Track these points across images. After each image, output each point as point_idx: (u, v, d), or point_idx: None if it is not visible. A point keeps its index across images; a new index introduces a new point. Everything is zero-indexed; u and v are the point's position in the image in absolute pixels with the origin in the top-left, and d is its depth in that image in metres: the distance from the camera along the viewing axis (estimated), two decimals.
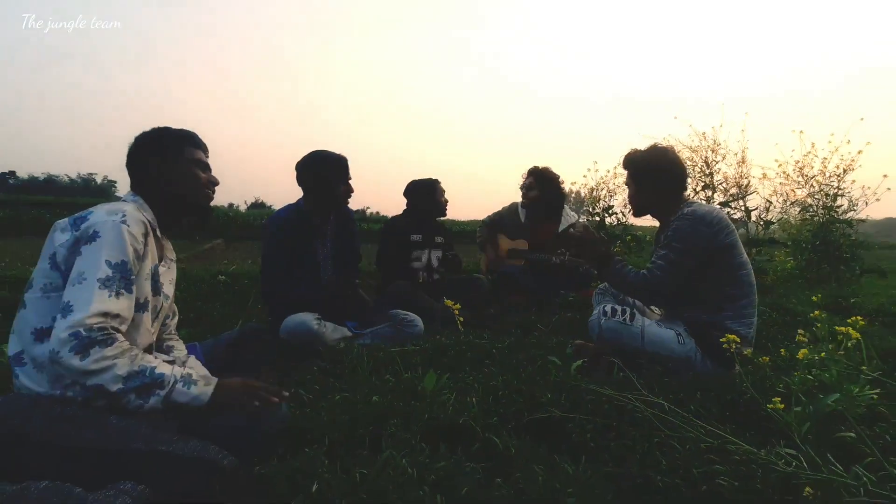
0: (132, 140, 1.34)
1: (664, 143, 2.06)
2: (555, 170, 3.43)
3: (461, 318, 2.55)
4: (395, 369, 1.72)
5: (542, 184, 3.37)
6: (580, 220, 3.48)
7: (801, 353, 1.09)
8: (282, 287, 2.25)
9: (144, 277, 1.19)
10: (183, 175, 1.32)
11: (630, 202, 2.08)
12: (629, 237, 4.33)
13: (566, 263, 2.95)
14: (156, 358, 1.15)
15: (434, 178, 3.15)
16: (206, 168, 1.39)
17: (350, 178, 2.36)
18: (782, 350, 1.46)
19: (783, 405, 0.98)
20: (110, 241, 1.09)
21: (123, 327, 1.10)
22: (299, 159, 2.35)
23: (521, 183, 3.52)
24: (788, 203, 4.61)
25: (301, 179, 2.34)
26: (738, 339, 1.23)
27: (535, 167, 3.46)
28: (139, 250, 1.16)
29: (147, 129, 1.36)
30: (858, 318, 1.16)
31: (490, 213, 3.78)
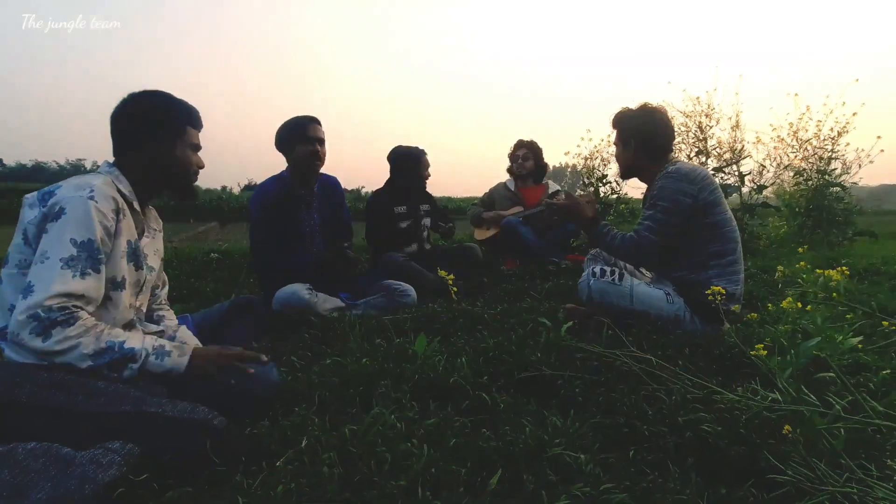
0: (128, 98, 1.25)
1: (654, 104, 2.02)
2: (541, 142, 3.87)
3: (455, 289, 2.56)
4: (387, 335, 1.73)
5: (535, 153, 3.76)
6: (562, 190, 3.74)
7: (786, 302, 1.09)
8: (272, 257, 2.24)
9: (120, 256, 1.16)
10: (178, 158, 1.28)
11: (617, 161, 2.07)
12: (623, 206, 4.32)
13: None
14: (127, 332, 1.12)
15: (420, 147, 3.10)
16: (198, 149, 1.35)
17: (315, 139, 2.26)
18: (769, 305, 1.47)
19: (766, 352, 0.99)
20: (76, 219, 1.05)
21: (90, 307, 1.07)
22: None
23: (512, 154, 3.81)
24: (782, 167, 4.59)
25: (276, 148, 2.31)
26: (724, 291, 1.24)
27: (523, 140, 3.82)
28: (109, 227, 1.11)
29: (147, 90, 1.27)
30: (843, 268, 1.17)
31: (481, 191, 4.06)
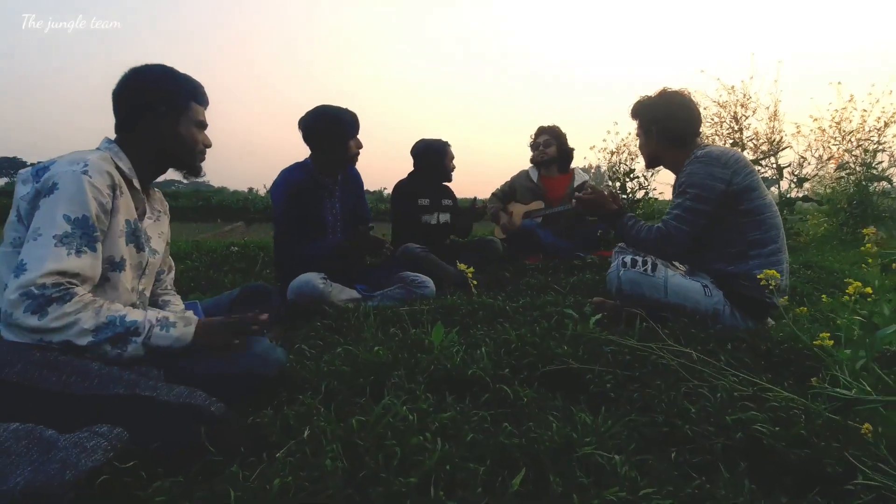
0: (130, 72, 1.19)
1: (674, 88, 1.89)
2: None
3: (475, 282, 2.46)
4: (403, 325, 1.64)
5: (558, 139, 3.43)
6: (589, 181, 3.46)
7: (851, 288, 0.96)
8: (296, 248, 2.19)
9: (118, 235, 1.10)
10: (182, 135, 1.23)
11: (641, 153, 1.95)
12: (651, 199, 4.14)
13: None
14: (126, 307, 1.07)
15: (444, 140, 3.02)
16: (204, 127, 1.29)
17: (358, 134, 2.25)
18: (823, 296, 1.32)
19: (832, 342, 0.86)
20: (70, 194, 1.00)
21: (86, 286, 1.02)
22: (304, 116, 2.25)
23: (533, 142, 3.53)
24: (825, 159, 4.32)
25: (308, 137, 2.24)
26: (778, 276, 1.10)
27: (544, 126, 3.51)
28: (105, 204, 1.06)
29: (150, 64, 1.22)
30: None
31: (490, 188, 3.81)
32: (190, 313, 1.34)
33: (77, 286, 0.99)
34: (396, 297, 2.22)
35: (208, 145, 1.31)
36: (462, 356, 1.27)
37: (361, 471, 0.78)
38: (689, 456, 0.89)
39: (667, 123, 1.80)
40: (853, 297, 1.04)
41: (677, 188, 1.78)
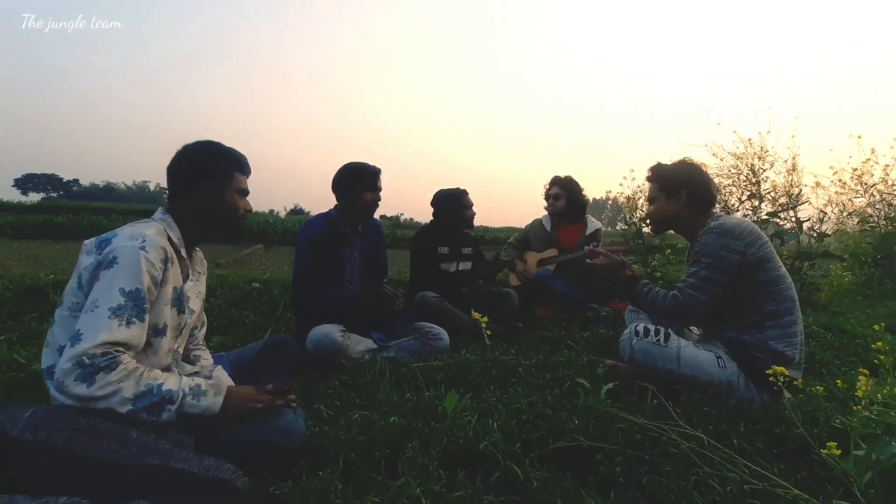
0: (182, 149, 1.33)
1: (692, 160, 1.97)
2: (578, 178, 3.58)
3: (488, 332, 2.50)
4: (417, 385, 1.68)
5: (568, 191, 3.49)
6: (599, 235, 3.50)
7: (861, 385, 0.97)
8: (312, 296, 2.27)
9: (164, 303, 1.20)
10: (226, 203, 1.34)
11: (652, 216, 1.97)
12: (668, 251, 4.14)
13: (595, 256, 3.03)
14: (164, 373, 1.15)
15: (461, 188, 3.11)
16: (246, 194, 1.41)
17: (379, 189, 2.37)
18: (839, 381, 1.32)
19: (839, 451, 0.87)
20: (126, 269, 1.10)
21: (131, 353, 1.10)
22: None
23: (546, 193, 3.60)
24: (845, 214, 4.28)
25: (333, 188, 2.38)
26: (787, 372, 1.12)
27: (557, 177, 3.59)
28: (157, 277, 1.16)
29: (199, 140, 1.36)
30: None
31: (518, 218, 3.87)
32: (222, 377, 1.41)
33: (123, 353, 1.08)
34: (411, 348, 2.26)
35: (250, 211, 1.42)
36: (474, 427, 1.31)
37: None
38: None
39: (699, 189, 1.85)
40: (866, 392, 1.06)
41: (692, 256, 1.82)
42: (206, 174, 1.32)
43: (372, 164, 2.39)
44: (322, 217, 2.41)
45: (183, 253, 1.29)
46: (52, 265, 6.23)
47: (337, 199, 2.40)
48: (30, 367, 1.88)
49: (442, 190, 3.10)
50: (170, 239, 1.24)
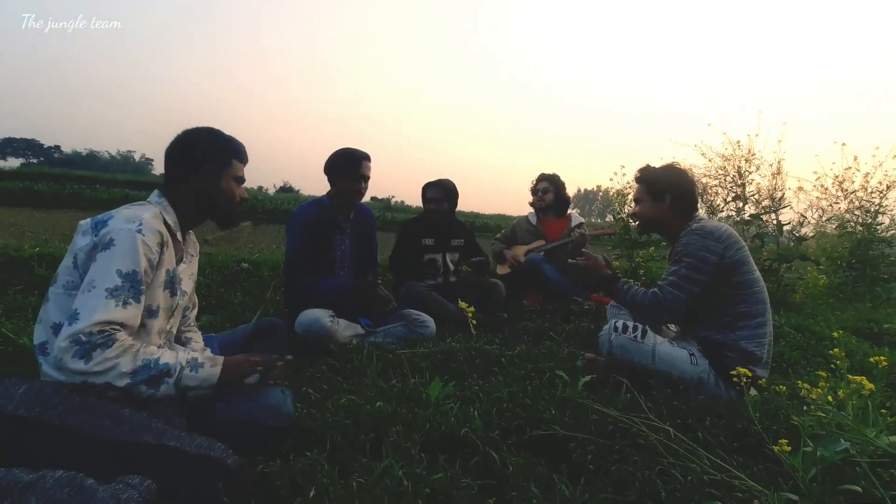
0: (181, 134, 1.34)
1: (679, 164, 2.05)
2: (567, 172, 3.82)
3: (474, 322, 2.56)
4: (403, 372, 1.74)
5: (556, 187, 3.72)
6: (582, 227, 3.61)
7: (815, 392, 1.05)
8: (303, 281, 2.30)
9: (157, 285, 1.23)
10: (222, 189, 1.36)
11: (638, 217, 2.05)
12: (652, 248, 4.23)
13: (583, 240, 3.25)
14: (160, 349, 1.18)
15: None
16: (242, 182, 1.43)
17: (368, 173, 2.37)
18: (799, 382, 1.41)
19: (790, 447, 0.95)
20: (123, 251, 1.12)
21: (126, 332, 1.13)
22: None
23: (533, 188, 3.80)
24: (825, 219, 4.41)
25: (326, 173, 2.40)
26: (750, 374, 1.20)
27: (545, 174, 3.80)
28: (153, 260, 1.19)
29: (199, 126, 1.37)
30: (881, 358, 1.11)
31: (508, 207, 3.99)
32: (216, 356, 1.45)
33: (119, 331, 1.11)
34: (398, 334, 2.32)
35: (245, 198, 1.44)
36: (456, 414, 1.37)
37: None
38: None
39: (683, 192, 1.92)
40: (824, 389, 1.13)
41: (673, 256, 1.89)
42: (205, 160, 1.33)
43: (358, 149, 2.39)
44: (315, 202, 2.42)
45: (178, 236, 1.31)
46: (35, 235, 6.14)
47: (330, 184, 2.41)
48: (17, 340, 1.89)
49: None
50: (165, 222, 1.26)
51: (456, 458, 1.20)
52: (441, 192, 3.00)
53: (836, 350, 1.14)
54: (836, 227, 4.54)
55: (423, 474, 1.07)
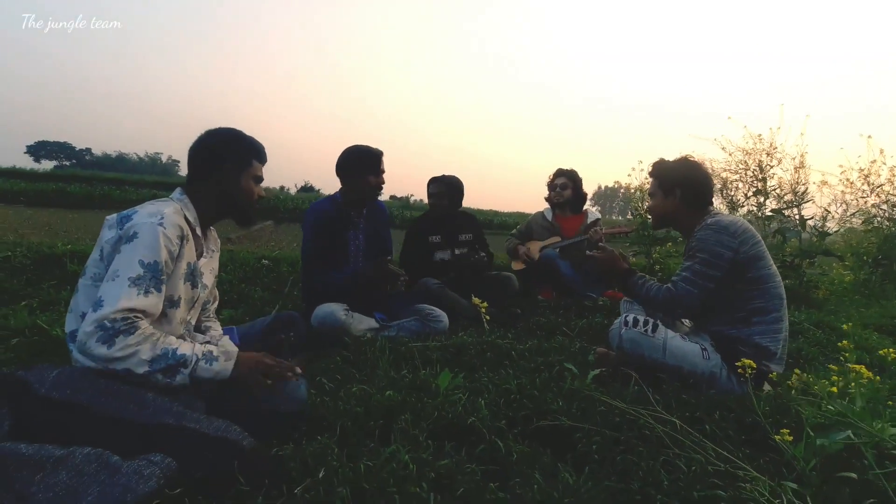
0: (204, 133, 1.41)
1: (693, 157, 2.02)
2: (586, 169, 3.73)
3: (487, 317, 2.59)
4: (414, 364, 1.78)
5: (574, 183, 3.67)
6: (598, 224, 3.59)
7: (822, 384, 1.05)
8: (319, 276, 2.36)
9: (179, 277, 1.29)
10: (242, 188, 1.43)
11: (651, 212, 2.04)
12: (669, 244, 4.18)
13: (599, 238, 3.26)
14: (179, 339, 1.24)
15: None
16: (260, 181, 1.49)
17: (383, 171, 2.41)
18: (800, 373, 1.40)
19: (791, 437, 0.95)
20: (146, 243, 1.19)
21: (148, 320, 1.19)
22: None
23: (550, 182, 3.75)
24: (850, 213, 4.28)
25: (337, 172, 2.44)
26: (755, 366, 1.20)
27: (562, 169, 3.74)
28: (173, 252, 1.25)
29: (221, 127, 1.44)
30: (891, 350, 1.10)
31: (526, 205, 3.96)
32: (231, 346, 1.51)
33: (141, 319, 1.17)
34: (412, 329, 2.36)
35: (262, 197, 1.50)
36: (464, 404, 1.40)
37: None
38: None
39: (693, 187, 1.90)
40: (831, 382, 1.13)
41: (687, 251, 1.88)
42: (226, 159, 1.40)
43: (371, 146, 2.42)
44: (328, 199, 2.48)
45: (198, 231, 1.38)
46: (67, 234, 6.40)
47: (341, 182, 2.46)
48: (51, 331, 2.00)
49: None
50: (186, 218, 1.33)
51: (462, 446, 1.23)
52: (441, 188, 3.03)
53: (844, 342, 1.14)
54: (862, 222, 4.40)
55: (430, 459, 1.11)
